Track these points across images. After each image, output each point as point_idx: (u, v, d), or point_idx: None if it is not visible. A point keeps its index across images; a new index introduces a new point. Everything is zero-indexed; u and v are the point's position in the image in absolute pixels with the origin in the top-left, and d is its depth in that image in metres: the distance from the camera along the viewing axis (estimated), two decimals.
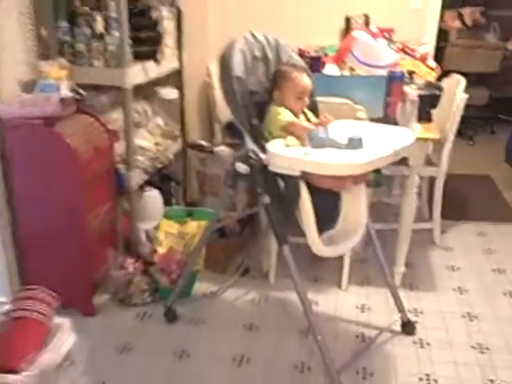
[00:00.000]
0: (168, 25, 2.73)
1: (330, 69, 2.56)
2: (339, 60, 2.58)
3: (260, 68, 2.00)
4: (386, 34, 3.07)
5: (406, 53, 2.92)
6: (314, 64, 2.49)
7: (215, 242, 2.62)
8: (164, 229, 2.55)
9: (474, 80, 4.25)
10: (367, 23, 3.27)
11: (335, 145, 1.75)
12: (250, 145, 1.86)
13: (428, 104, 2.40)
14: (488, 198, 3.74)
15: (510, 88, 5.07)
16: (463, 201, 3.65)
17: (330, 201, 2.03)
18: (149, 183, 2.76)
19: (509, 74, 5.02)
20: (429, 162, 2.73)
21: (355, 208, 2.03)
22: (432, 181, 2.89)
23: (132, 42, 2.38)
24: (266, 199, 1.87)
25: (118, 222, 2.55)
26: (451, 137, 2.73)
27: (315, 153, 1.72)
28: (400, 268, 2.54)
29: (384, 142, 1.81)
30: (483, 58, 4.84)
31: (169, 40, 2.77)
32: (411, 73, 2.66)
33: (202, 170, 2.98)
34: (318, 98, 2.10)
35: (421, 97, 2.37)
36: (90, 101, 2.44)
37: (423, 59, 2.92)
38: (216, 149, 2.90)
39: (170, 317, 2.32)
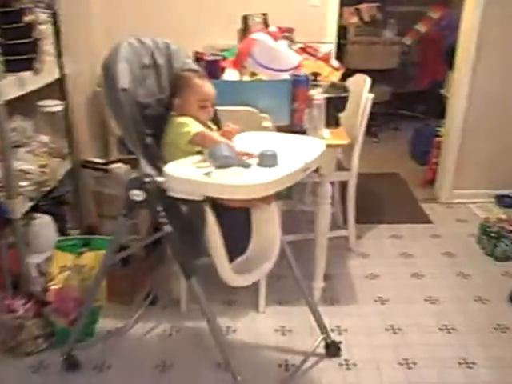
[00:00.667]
0: (45, 30, 2.43)
1: (230, 74, 2.35)
2: (239, 64, 2.39)
3: (150, 77, 1.78)
4: (287, 33, 2.92)
5: (308, 53, 2.79)
6: (212, 69, 2.28)
7: (117, 272, 2.36)
8: (57, 262, 2.28)
9: (376, 77, 4.23)
10: (266, 22, 3.11)
11: (242, 164, 1.56)
12: (145, 168, 1.64)
13: (335, 107, 2.28)
14: (399, 197, 3.73)
15: (410, 83, 5.17)
16: (375, 202, 3.60)
17: (241, 222, 1.85)
18: (38, 209, 2.45)
19: (408, 70, 5.11)
20: (339, 167, 2.61)
21: (268, 228, 1.86)
22: (344, 185, 2.78)
23: (2, 50, 2.10)
24: (168, 228, 1.64)
25: (2, 257, 2.23)
26: (360, 139, 2.65)
27: (218, 173, 1.52)
28: (319, 284, 2.43)
29: (293, 155, 1.64)
30: (382, 54, 4.89)
31: (48, 47, 2.46)
32: (315, 74, 2.52)
33: (98, 190, 2.70)
34: (219, 108, 1.90)
35: (328, 100, 2.23)
36: None
37: (326, 59, 2.81)
38: (112, 166, 2.63)
39: (71, 364, 2.06)
